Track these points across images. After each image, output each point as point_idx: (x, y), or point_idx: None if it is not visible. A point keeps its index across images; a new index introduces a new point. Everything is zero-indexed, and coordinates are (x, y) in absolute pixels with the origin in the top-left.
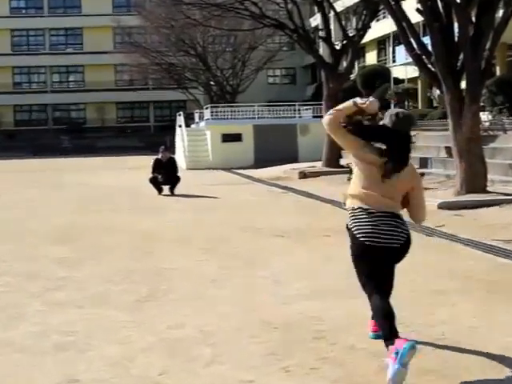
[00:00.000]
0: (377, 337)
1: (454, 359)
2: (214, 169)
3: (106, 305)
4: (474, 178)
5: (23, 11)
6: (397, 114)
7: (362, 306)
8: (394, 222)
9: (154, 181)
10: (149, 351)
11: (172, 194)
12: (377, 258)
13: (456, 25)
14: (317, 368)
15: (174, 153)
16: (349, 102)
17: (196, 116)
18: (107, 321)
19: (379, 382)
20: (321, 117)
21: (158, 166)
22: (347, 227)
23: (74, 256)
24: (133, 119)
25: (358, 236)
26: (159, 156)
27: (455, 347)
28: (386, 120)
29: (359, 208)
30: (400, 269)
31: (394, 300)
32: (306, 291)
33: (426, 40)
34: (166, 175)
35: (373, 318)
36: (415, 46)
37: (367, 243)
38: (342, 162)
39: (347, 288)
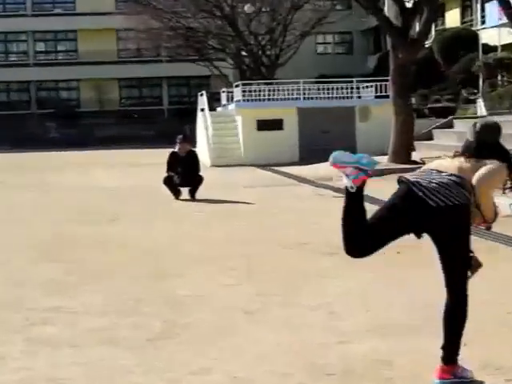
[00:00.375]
0: None
1: None
2: (246, 166)
3: (108, 344)
4: None
5: None
6: (474, 126)
7: (440, 345)
8: None
9: (169, 181)
10: None
11: (193, 198)
12: None
13: None
14: None
15: (194, 145)
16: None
17: (223, 97)
18: (110, 365)
19: None
20: (386, 96)
21: (174, 163)
22: None
23: (67, 279)
24: (141, 101)
25: None
26: (176, 149)
27: None
28: (468, 134)
29: None
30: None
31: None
32: (368, 326)
33: None
34: (184, 174)
35: (444, 359)
36: None
37: None
38: (415, 156)
39: (424, 323)
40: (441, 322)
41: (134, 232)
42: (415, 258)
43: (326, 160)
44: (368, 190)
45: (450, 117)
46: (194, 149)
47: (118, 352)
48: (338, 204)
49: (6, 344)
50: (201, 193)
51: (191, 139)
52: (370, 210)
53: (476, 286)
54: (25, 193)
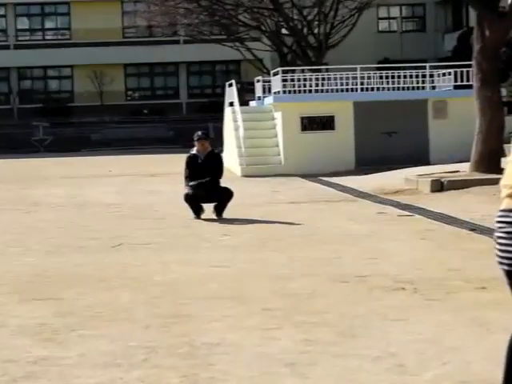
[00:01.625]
0: None
1: None
2: (287, 176)
3: None
4: None
5: None
6: None
7: None
8: None
9: (191, 198)
10: None
11: (219, 216)
12: None
13: None
14: None
15: (221, 150)
16: None
17: (258, 87)
18: None
19: None
20: (469, 87)
21: (192, 168)
22: None
23: (57, 322)
24: (153, 93)
25: None
26: (193, 150)
27: None
28: None
29: None
30: None
31: None
32: (447, 383)
33: None
34: (206, 183)
35: None
36: None
37: None
38: (505, 163)
39: None
40: None
41: (142, 262)
42: (504, 295)
43: (389, 169)
44: (445, 208)
45: None
46: (216, 150)
47: None
48: (405, 226)
49: None
50: (229, 210)
51: (211, 137)
52: (443, 233)
53: None
54: (4, 211)
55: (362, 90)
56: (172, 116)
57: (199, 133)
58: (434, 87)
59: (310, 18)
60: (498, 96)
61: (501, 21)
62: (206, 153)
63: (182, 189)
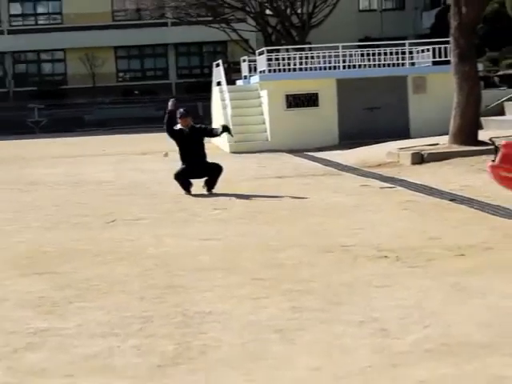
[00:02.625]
0: None
1: None
2: (273, 151)
3: (108, 372)
4: None
5: None
6: None
7: None
8: None
9: (181, 175)
10: None
11: (209, 191)
12: None
13: None
14: None
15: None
16: None
17: (244, 67)
18: None
19: None
20: (446, 62)
21: (180, 139)
22: None
23: (56, 295)
24: (143, 74)
25: None
26: (177, 127)
27: None
28: None
29: None
30: None
31: None
32: (428, 345)
33: None
34: (194, 158)
35: None
36: None
37: None
38: (482, 135)
39: (495, 340)
40: None
41: (136, 237)
42: (483, 261)
43: (371, 143)
44: (426, 179)
45: None
46: (198, 125)
47: (121, 382)
48: (387, 197)
49: None
50: (218, 186)
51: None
52: (423, 204)
53: None
54: (3, 190)
55: (344, 67)
56: (162, 96)
57: (181, 110)
58: (413, 64)
59: None
60: (475, 71)
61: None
62: (189, 127)
63: (173, 166)
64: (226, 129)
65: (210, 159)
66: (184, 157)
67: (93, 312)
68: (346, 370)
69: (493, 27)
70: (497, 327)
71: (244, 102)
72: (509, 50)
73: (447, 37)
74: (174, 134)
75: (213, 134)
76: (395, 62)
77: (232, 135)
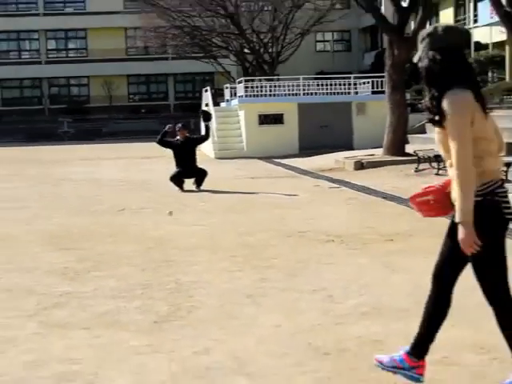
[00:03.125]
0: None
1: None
2: (248, 158)
3: (116, 326)
4: None
5: None
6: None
7: None
8: None
9: (176, 177)
10: (169, 383)
11: (198, 189)
12: None
13: None
14: None
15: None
16: None
17: (227, 92)
18: (119, 346)
19: None
20: (382, 92)
21: (175, 146)
22: (486, 202)
23: (77, 266)
24: (148, 97)
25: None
26: (177, 138)
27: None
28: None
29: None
30: None
31: None
32: (363, 309)
33: None
34: (186, 162)
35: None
36: (504, 1)
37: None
38: (408, 148)
39: (414, 306)
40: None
41: (140, 222)
42: (406, 245)
43: (324, 152)
44: (365, 181)
45: None
46: (192, 135)
47: (126, 334)
48: (334, 195)
49: (18, 327)
50: (205, 184)
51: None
52: (363, 200)
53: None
54: (38, 185)
55: (304, 94)
56: (163, 114)
57: (179, 124)
58: (356, 92)
59: (265, 40)
60: (404, 99)
61: (405, 43)
62: (184, 137)
63: (170, 167)
64: (205, 112)
65: (199, 164)
66: (178, 162)
67: (105, 279)
68: (300, 327)
69: (417, 66)
70: (416, 296)
71: (226, 120)
72: None
73: (383, 72)
74: (169, 144)
75: (203, 139)
76: (343, 90)
77: (211, 117)
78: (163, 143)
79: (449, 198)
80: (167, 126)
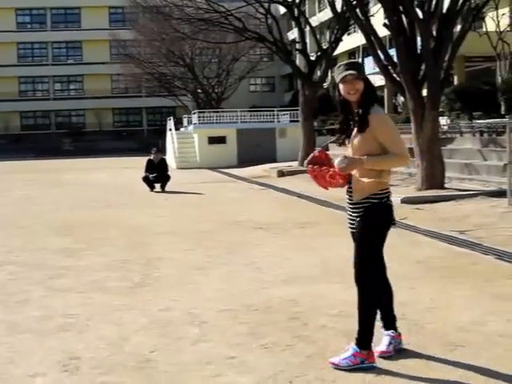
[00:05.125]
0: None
1: (414, 337)
2: (201, 168)
3: (103, 290)
4: (434, 176)
5: (28, 26)
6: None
7: (332, 290)
8: None
9: (146, 179)
10: (141, 331)
11: (163, 190)
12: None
13: (419, 38)
14: (292, 345)
15: (165, 154)
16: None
17: (185, 121)
18: (104, 304)
19: None
20: (297, 121)
21: (150, 166)
22: (381, 205)
23: (74, 247)
24: (128, 123)
25: (391, 213)
26: (151, 157)
27: (415, 325)
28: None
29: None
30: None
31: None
32: (283, 277)
33: (392, 52)
34: (157, 174)
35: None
36: (382, 57)
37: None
38: None
39: (320, 274)
40: (334, 273)
41: (121, 214)
42: (314, 230)
43: (255, 164)
44: (285, 185)
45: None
46: (164, 157)
47: (110, 296)
48: (262, 195)
49: (30, 291)
50: (169, 187)
51: (162, 150)
52: (283, 199)
53: None
54: (47, 187)
55: (241, 122)
56: (139, 136)
57: (154, 149)
58: (279, 121)
59: (213, 83)
60: (313, 126)
61: (313, 86)
62: (159, 159)
63: (143, 175)
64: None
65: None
66: (153, 172)
67: (95, 257)
68: (236, 290)
69: (322, 102)
70: (321, 267)
71: (184, 140)
72: (331, 116)
73: (298, 107)
74: (149, 164)
75: (166, 169)
76: (269, 120)
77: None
78: (147, 181)
79: (327, 158)
80: (150, 176)
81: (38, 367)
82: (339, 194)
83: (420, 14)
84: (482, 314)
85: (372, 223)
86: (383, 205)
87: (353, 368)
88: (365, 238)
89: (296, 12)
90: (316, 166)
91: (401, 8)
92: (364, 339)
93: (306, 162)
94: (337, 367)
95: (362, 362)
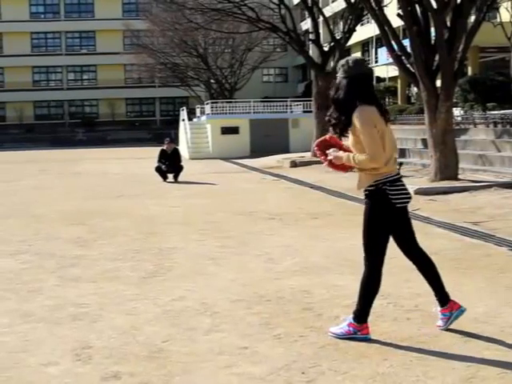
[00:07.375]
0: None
1: (428, 328)
2: (213, 159)
3: (115, 280)
4: (447, 167)
5: (42, 16)
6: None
7: (345, 281)
8: None
9: (159, 169)
10: (154, 321)
11: (175, 181)
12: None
13: (432, 29)
14: (305, 336)
15: (177, 144)
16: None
17: (198, 111)
18: (117, 294)
19: (361, 348)
20: (310, 112)
21: (163, 156)
22: (382, 194)
23: (87, 236)
24: (141, 114)
25: (401, 201)
26: (164, 147)
27: (429, 317)
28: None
29: (397, 174)
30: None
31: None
32: (295, 267)
33: (406, 42)
34: (170, 164)
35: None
36: (396, 47)
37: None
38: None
39: (332, 265)
40: (347, 264)
41: (134, 204)
42: (326, 221)
43: (268, 155)
44: (297, 176)
45: None
46: (177, 147)
47: (122, 286)
48: (275, 185)
49: (43, 280)
50: (181, 177)
51: (175, 140)
52: (296, 189)
53: None
54: (60, 177)
55: (253, 112)
56: (151, 127)
57: (168, 139)
58: (292, 111)
59: (226, 73)
60: (325, 116)
61: (326, 76)
62: (171, 149)
63: (156, 165)
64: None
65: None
66: (165, 162)
67: (107, 246)
68: (249, 280)
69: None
70: (332, 258)
71: (197, 131)
72: None
73: (311, 97)
74: (161, 154)
75: (179, 159)
76: (282, 110)
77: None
78: (159, 171)
79: (337, 143)
80: (163, 167)
81: (51, 356)
82: (352, 185)
83: (434, 3)
84: (496, 305)
85: (372, 209)
86: (381, 191)
87: (346, 337)
88: (366, 222)
89: (309, 2)
90: (319, 151)
91: None
92: (361, 313)
93: (314, 143)
94: (335, 335)
95: (355, 333)
